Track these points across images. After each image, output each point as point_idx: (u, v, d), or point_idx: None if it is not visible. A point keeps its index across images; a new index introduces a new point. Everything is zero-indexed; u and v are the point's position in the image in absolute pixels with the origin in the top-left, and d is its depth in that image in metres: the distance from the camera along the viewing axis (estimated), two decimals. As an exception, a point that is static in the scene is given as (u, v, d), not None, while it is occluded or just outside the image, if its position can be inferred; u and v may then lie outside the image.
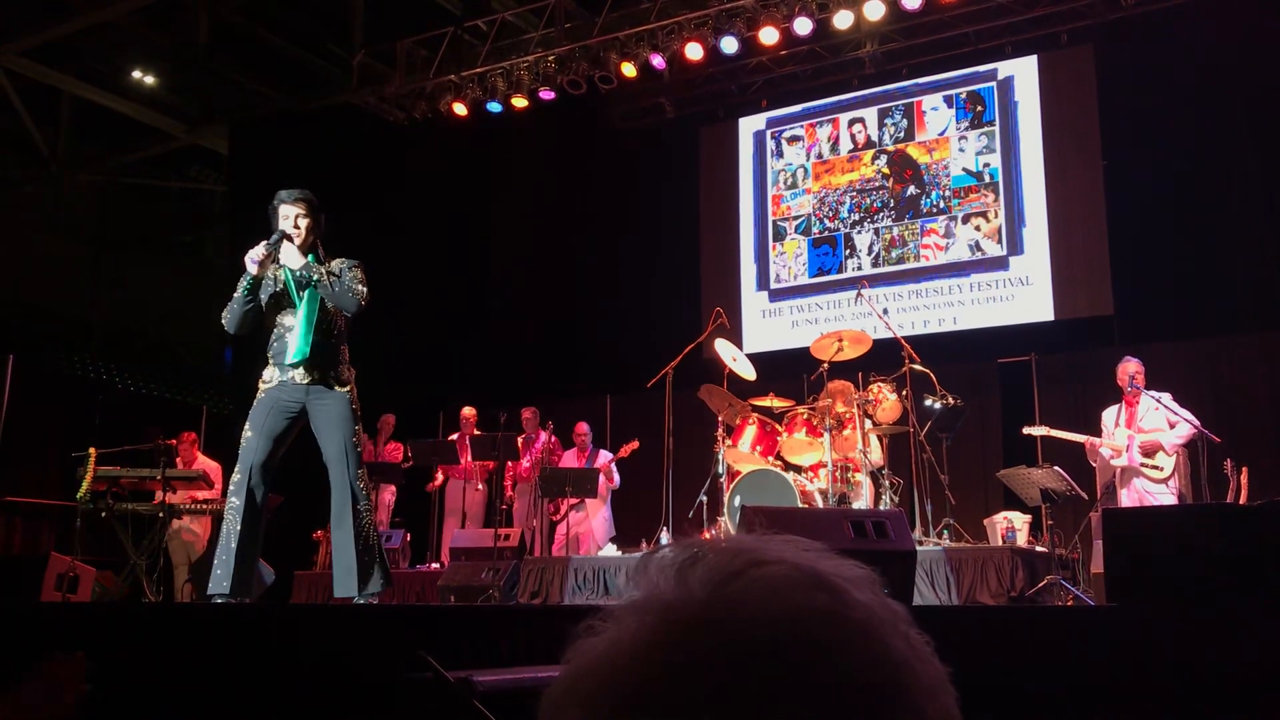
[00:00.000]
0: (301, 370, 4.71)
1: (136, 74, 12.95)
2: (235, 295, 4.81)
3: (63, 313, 14.74)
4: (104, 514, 7.63)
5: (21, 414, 11.72)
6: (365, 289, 4.78)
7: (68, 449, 8.01)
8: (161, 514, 7.81)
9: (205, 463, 9.00)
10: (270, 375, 4.78)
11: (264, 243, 4.73)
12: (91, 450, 7.64)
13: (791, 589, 0.60)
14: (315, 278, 4.72)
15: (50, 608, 4.94)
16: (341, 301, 4.76)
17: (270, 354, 4.82)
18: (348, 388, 4.77)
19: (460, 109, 11.10)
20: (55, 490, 11.57)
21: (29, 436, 11.88)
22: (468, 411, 10.09)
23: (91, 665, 1.77)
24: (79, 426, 10.99)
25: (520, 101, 10.90)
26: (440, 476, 9.97)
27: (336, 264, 4.84)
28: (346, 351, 4.92)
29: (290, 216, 4.79)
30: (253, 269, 4.71)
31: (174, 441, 8.67)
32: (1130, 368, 7.48)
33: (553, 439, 9.67)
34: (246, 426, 4.72)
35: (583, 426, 9.76)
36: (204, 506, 8.36)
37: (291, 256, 4.76)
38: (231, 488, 4.67)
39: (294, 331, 4.72)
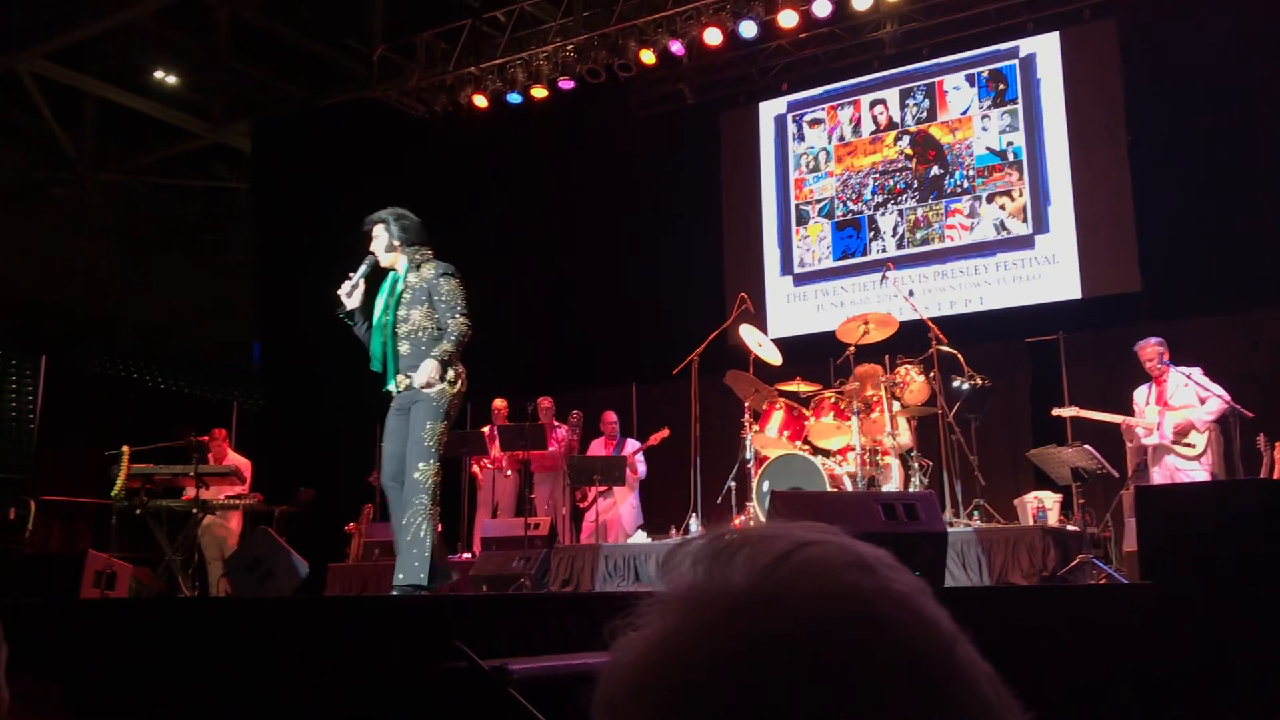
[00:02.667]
0: (401, 376, 5.09)
1: (158, 74, 13.05)
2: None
3: (92, 313, 14.89)
4: (138, 511, 7.73)
5: (54, 414, 11.88)
6: (464, 319, 5.06)
7: (101, 447, 8.11)
8: (195, 510, 7.90)
9: (236, 459, 9.09)
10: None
11: (351, 276, 5.11)
12: (125, 448, 7.73)
13: (842, 568, 0.61)
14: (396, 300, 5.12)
15: (91, 604, 5.00)
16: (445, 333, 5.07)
17: None
18: (437, 387, 4.98)
19: (480, 101, 11.12)
20: (90, 488, 11.70)
21: (62, 436, 12.03)
22: (499, 403, 10.11)
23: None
24: (111, 425, 11.13)
25: (540, 92, 10.90)
26: (475, 469, 10.00)
27: (429, 270, 5.15)
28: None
29: (370, 242, 5.24)
30: (347, 303, 5.12)
31: (205, 438, 8.77)
32: (1149, 351, 7.42)
33: (571, 432, 9.71)
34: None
35: (610, 415, 9.78)
36: (236, 502, 8.45)
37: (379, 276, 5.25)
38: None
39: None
